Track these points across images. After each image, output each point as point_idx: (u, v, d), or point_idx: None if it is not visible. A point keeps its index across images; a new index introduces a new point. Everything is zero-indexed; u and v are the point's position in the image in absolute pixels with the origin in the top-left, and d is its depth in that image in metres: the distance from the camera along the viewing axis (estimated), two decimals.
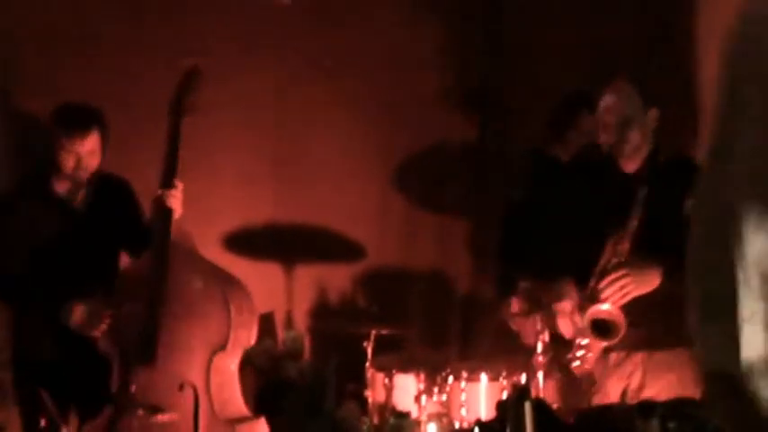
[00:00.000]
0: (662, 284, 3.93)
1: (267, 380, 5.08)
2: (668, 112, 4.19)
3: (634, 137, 4.12)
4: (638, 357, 4.10)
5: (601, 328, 4.01)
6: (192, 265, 4.19)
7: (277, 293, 5.68)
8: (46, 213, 4.42)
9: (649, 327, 3.93)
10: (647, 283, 3.93)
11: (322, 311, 5.79)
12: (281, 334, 5.57)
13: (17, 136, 4.98)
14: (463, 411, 4.60)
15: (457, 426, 4.57)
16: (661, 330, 3.96)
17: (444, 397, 4.66)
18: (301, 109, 5.79)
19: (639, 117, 4.13)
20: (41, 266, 4.37)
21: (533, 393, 4.00)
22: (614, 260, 4.01)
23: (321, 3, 5.92)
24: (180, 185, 4.18)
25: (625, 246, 4.00)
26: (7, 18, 5.14)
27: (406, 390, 4.73)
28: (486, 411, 4.52)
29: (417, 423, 4.55)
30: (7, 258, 4.37)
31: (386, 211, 5.93)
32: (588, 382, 4.24)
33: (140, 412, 3.92)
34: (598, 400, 4.16)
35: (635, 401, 3.98)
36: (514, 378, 4.55)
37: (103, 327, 4.15)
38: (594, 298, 4.02)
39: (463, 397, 4.62)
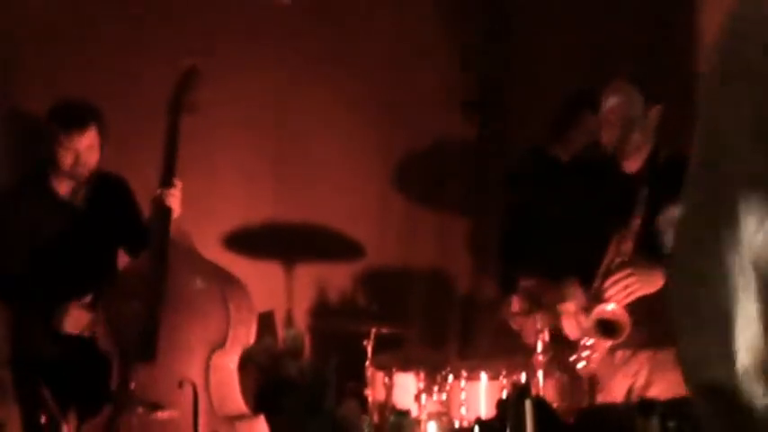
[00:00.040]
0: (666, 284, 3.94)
1: (267, 378, 5.09)
2: (668, 110, 4.20)
3: (636, 136, 4.13)
4: (644, 356, 4.10)
5: (606, 327, 4.02)
6: (191, 264, 4.20)
7: (277, 292, 5.68)
8: (45, 212, 4.43)
9: (654, 325, 3.93)
10: (652, 283, 3.93)
11: (322, 310, 5.79)
12: (281, 333, 5.57)
13: (17, 136, 4.97)
14: (463, 410, 4.60)
15: (457, 425, 4.58)
16: (666, 329, 3.96)
17: (444, 396, 4.67)
18: (301, 108, 5.79)
19: (641, 116, 4.14)
20: (41, 265, 4.38)
21: (533, 392, 4.01)
22: (618, 260, 4.02)
23: (321, 3, 5.92)
24: (179, 184, 4.19)
25: (628, 245, 4.00)
26: (7, 18, 5.14)
27: (405, 388, 4.74)
28: (485, 410, 4.52)
29: (417, 422, 4.55)
30: (7, 258, 4.38)
31: (386, 210, 5.94)
32: (591, 382, 4.24)
33: (140, 410, 3.92)
34: (602, 398, 4.16)
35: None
36: (514, 377, 4.55)
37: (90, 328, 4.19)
38: (599, 298, 4.02)
39: (463, 396, 4.62)
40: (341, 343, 5.02)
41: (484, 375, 4.64)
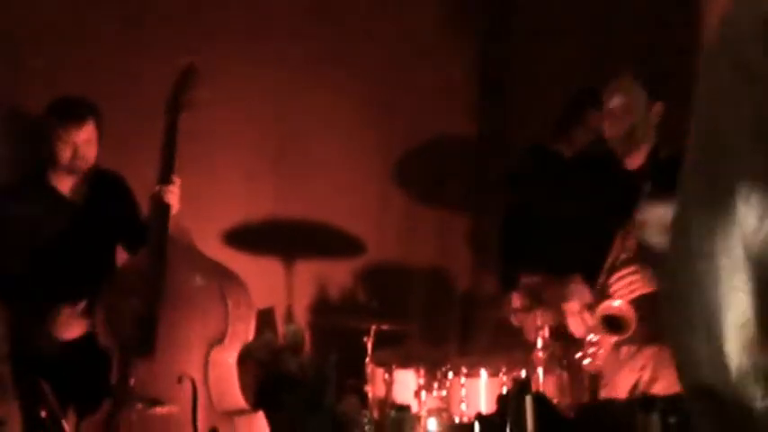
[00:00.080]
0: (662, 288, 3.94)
1: (267, 374, 5.09)
2: (668, 109, 4.22)
3: (639, 132, 4.14)
4: (649, 351, 4.10)
5: (612, 323, 4.03)
6: (190, 261, 4.21)
7: (277, 289, 5.68)
8: (44, 210, 4.44)
9: (659, 321, 3.93)
10: (656, 280, 3.94)
11: (322, 307, 5.79)
12: (281, 329, 5.58)
13: (17, 136, 4.98)
14: (463, 407, 4.61)
15: (457, 421, 4.59)
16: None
17: (444, 392, 4.68)
18: (302, 106, 5.79)
19: (644, 112, 4.15)
20: (40, 263, 4.38)
21: (533, 388, 4.02)
22: (623, 256, 4.03)
23: (322, 2, 5.92)
24: (177, 181, 4.21)
25: (632, 241, 4.01)
26: (7, 18, 5.14)
27: (405, 385, 4.75)
28: (485, 407, 4.53)
29: (417, 418, 4.56)
30: (6, 255, 4.39)
31: (386, 206, 5.93)
32: (593, 378, 4.25)
33: (139, 405, 3.94)
34: (607, 394, 4.17)
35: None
36: (514, 373, 4.56)
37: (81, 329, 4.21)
38: (604, 294, 4.03)
39: (463, 392, 4.63)
40: (341, 339, 5.02)
41: (484, 372, 4.65)
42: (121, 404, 3.98)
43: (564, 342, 4.65)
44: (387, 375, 4.75)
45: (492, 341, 5.21)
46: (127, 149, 4.92)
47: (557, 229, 4.36)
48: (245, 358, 4.60)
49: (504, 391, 4.47)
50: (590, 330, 4.09)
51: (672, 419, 3.20)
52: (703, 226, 1.40)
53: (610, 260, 4.05)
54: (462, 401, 4.62)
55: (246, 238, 5.65)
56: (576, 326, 4.16)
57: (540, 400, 3.71)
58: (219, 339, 4.09)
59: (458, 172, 6.03)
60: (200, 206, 5.30)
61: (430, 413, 4.62)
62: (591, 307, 4.09)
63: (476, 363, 4.74)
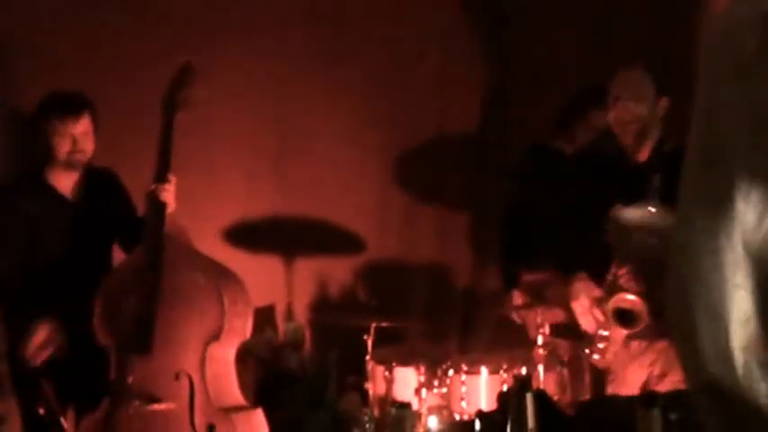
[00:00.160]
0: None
1: (268, 371, 5.09)
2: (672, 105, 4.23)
3: (646, 123, 4.15)
4: (660, 346, 4.11)
5: (623, 317, 4.03)
6: (186, 258, 4.24)
7: (278, 286, 5.68)
8: (42, 208, 4.44)
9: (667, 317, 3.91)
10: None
11: (322, 304, 5.79)
12: (281, 326, 5.58)
13: (17, 136, 4.98)
14: (463, 404, 4.61)
15: (457, 418, 4.59)
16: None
17: (445, 390, 4.68)
18: (302, 104, 5.79)
19: (652, 105, 4.16)
20: (37, 261, 4.39)
21: (534, 385, 4.02)
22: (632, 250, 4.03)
23: (321, 1, 5.93)
24: (173, 180, 4.24)
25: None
26: (5, 18, 5.14)
27: (406, 382, 4.75)
28: (486, 404, 4.54)
29: (418, 416, 4.56)
30: (3, 254, 4.39)
31: (386, 204, 5.93)
32: (600, 373, 4.26)
33: (137, 402, 3.97)
34: (616, 389, 4.18)
35: (660, 387, 4.01)
36: (515, 371, 4.56)
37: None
38: (615, 287, 4.04)
39: (463, 390, 4.63)
40: (341, 337, 5.02)
41: (484, 369, 4.65)
42: (119, 402, 4.01)
43: (568, 339, 4.66)
44: (387, 373, 4.75)
45: (492, 338, 5.21)
46: (124, 148, 4.93)
47: (559, 227, 4.36)
48: (245, 355, 4.61)
49: (505, 388, 4.47)
50: (602, 325, 4.09)
51: (673, 416, 3.19)
52: (705, 223, 1.40)
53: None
54: (463, 399, 4.62)
55: (246, 235, 5.66)
56: (587, 322, 4.16)
57: (541, 397, 3.70)
58: (216, 336, 4.11)
59: (458, 170, 6.02)
60: (201, 204, 5.31)
61: (430, 411, 4.62)
62: (601, 301, 4.09)
63: (476, 360, 4.75)
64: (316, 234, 5.83)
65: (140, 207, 4.43)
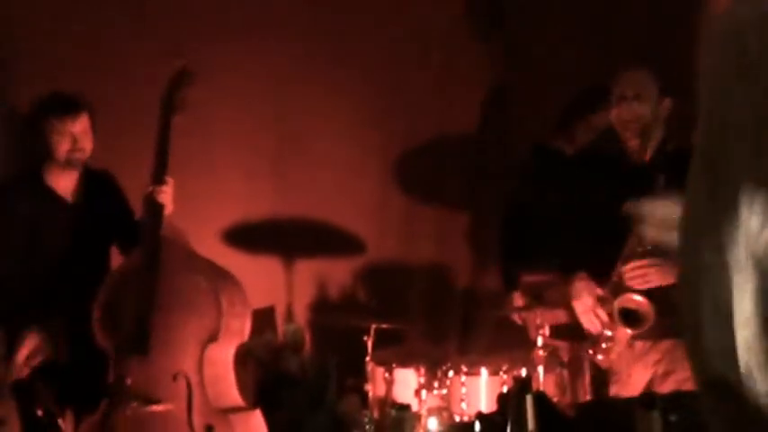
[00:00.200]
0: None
1: (267, 373, 5.09)
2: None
3: (648, 122, 4.14)
4: (665, 345, 4.10)
5: (629, 316, 4.03)
6: (184, 260, 4.26)
7: (277, 288, 5.68)
8: (40, 209, 4.45)
9: (674, 316, 3.90)
10: (671, 273, 3.94)
11: (322, 306, 5.79)
12: (281, 328, 5.57)
13: (16, 136, 4.98)
14: (463, 405, 4.61)
15: (457, 420, 4.58)
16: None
17: (444, 391, 4.67)
18: (301, 104, 5.79)
19: (655, 104, 4.16)
20: (36, 262, 4.39)
21: (534, 387, 4.01)
22: (639, 249, 4.03)
23: (321, 0, 5.92)
24: (170, 182, 4.27)
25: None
26: (7, 18, 5.14)
27: (406, 384, 4.74)
28: (486, 405, 4.53)
29: (418, 417, 4.55)
30: (2, 255, 4.39)
31: (385, 205, 5.93)
32: (600, 374, 4.25)
33: (135, 404, 3.99)
34: (620, 389, 4.17)
35: (664, 387, 4.01)
36: (514, 372, 4.55)
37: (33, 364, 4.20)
38: (620, 286, 4.03)
39: (463, 391, 4.62)
40: (341, 338, 5.02)
41: (484, 370, 4.64)
42: (117, 403, 4.03)
43: (568, 340, 4.66)
44: (387, 374, 4.74)
45: (492, 340, 5.20)
46: (122, 149, 4.93)
47: (560, 227, 4.36)
48: (245, 357, 4.61)
49: (505, 389, 4.46)
50: (605, 325, 4.09)
51: (673, 417, 3.18)
52: (710, 226, 1.41)
53: (626, 252, 4.04)
54: (463, 400, 4.61)
55: (246, 237, 5.66)
56: (589, 322, 4.15)
57: (541, 398, 3.69)
58: (214, 337, 4.14)
59: (457, 170, 6.02)
60: (200, 205, 5.31)
61: (430, 412, 4.61)
62: (605, 301, 4.08)
63: (476, 361, 4.74)
64: (315, 235, 5.83)
65: (138, 209, 4.44)
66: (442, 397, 4.66)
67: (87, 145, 4.44)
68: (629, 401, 3.69)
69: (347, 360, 4.90)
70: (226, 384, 4.22)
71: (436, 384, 4.68)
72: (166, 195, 4.24)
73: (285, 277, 5.71)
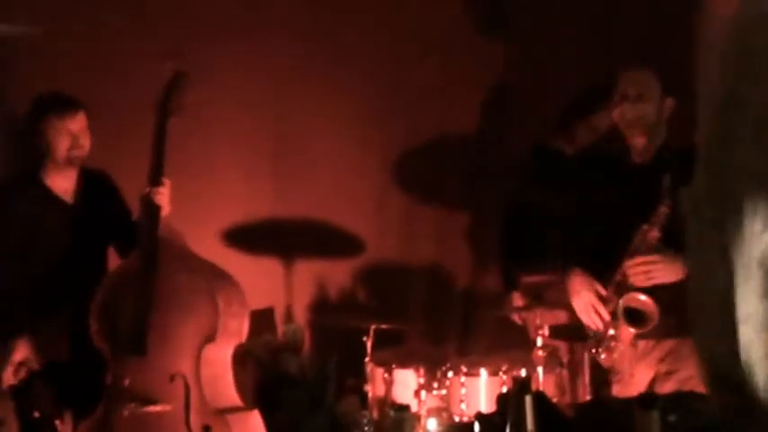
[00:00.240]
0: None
1: (267, 373, 5.09)
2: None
3: (650, 121, 4.14)
4: (668, 344, 4.10)
5: (632, 316, 4.03)
6: (181, 261, 4.26)
7: (277, 288, 5.68)
8: (38, 210, 4.45)
9: (681, 314, 3.90)
10: (675, 271, 3.94)
11: (321, 306, 5.79)
12: (281, 328, 5.57)
13: (16, 136, 4.98)
14: (463, 406, 4.60)
15: (456, 420, 4.57)
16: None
17: (444, 392, 4.67)
18: (301, 104, 5.79)
19: (658, 104, 4.16)
20: (34, 262, 4.39)
21: (533, 387, 4.00)
22: (644, 246, 4.02)
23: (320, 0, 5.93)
24: (167, 183, 4.28)
25: (654, 234, 4.00)
26: (6, 18, 5.14)
27: (405, 384, 4.74)
28: (485, 406, 4.53)
29: (417, 418, 4.54)
30: (1, 255, 4.39)
31: (385, 205, 5.92)
32: (601, 373, 4.25)
33: (132, 404, 4.00)
34: (623, 388, 4.17)
35: (666, 386, 4.01)
36: (514, 373, 4.55)
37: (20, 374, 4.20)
38: (624, 286, 4.03)
39: (463, 392, 4.62)
40: (341, 339, 5.01)
41: (483, 371, 4.64)
42: (115, 404, 4.03)
43: (568, 340, 4.65)
44: (386, 375, 4.74)
45: (492, 340, 5.20)
46: (120, 150, 4.92)
47: (561, 227, 4.35)
48: (244, 358, 4.60)
49: (504, 390, 4.45)
50: (607, 323, 4.09)
51: (672, 417, 3.17)
52: (715, 223, 1.45)
53: (631, 249, 4.04)
54: (462, 401, 4.61)
55: (246, 237, 5.65)
56: (589, 319, 4.14)
57: (540, 399, 3.69)
58: (211, 337, 4.14)
59: (457, 171, 6.01)
60: (200, 206, 5.31)
61: (430, 413, 4.61)
62: (608, 301, 4.08)
63: (476, 362, 4.74)
64: (315, 235, 5.83)
65: (135, 210, 4.44)
66: (442, 397, 4.67)
67: (86, 143, 4.45)
68: (629, 402, 3.69)
69: (347, 361, 4.89)
70: (224, 385, 4.22)
71: (436, 385, 4.68)
72: (163, 197, 4.25)
73: (285, 278, 5.71)
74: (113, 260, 4.60)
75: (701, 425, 3.15)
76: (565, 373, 4.60)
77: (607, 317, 4.10)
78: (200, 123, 5.21)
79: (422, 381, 4.70)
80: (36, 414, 3.97)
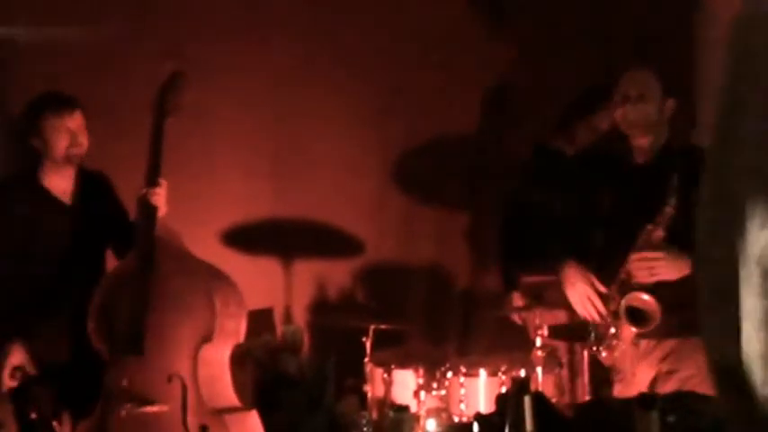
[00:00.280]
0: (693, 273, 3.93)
1: (266, 374, 5.08)
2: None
3: (652, 122, 4.15)
4: (669, 344, 4.11)
5: (634, 315, 4.03)
6: (178, 261, 4.27)
7: (276, 289, 5.68)
8: (36, 210, 4.45)
9: (683, 313, 3.89)
10: (678, 269, 3.95)
11: (321, 307, 5.78)
12: (280, 329, 5.57)
13: (15, 136, 4.97)
14: (462, 406, 4.60)
15: (456, 421, 4.57)
16: (694, 316, 3.95)
17: (443, 392, 4.66)
18: (300, 105, 5.79)
19: (659, 104, 4.16)
20: (32, 263, 4.39)
21: (533, 388, 4.00)
22: (648, 249, 4.03)
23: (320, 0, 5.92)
24: (164, 184, 4.28)
25: (659, 234, 4.01)
26: (7, 18, 5.14)
27: (404, 385, 4.73)
28: (484, 406, 4.52)
29: (416, 418, 4.54)
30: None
31: (384, 206, 5.92)
32: (601, 372, 4.25)
33: (129, 405, 4.01)
34: (623, 388, 4.17)
35: (667, 385, 4.01)
36: (513, 373, 4.54)
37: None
38: (627, 285, 4.03)
39: (462, 392, 4.61)
40: (340, 339, 5.01)
41: (483, 371, 4.63)
42: (113, 404, 4.04)
43: (569, 340, 4.65)
44: (386, 375, 4.73)
45: (491, 341, 5.19)
46: (120, 150, 4.92)
47: (561, 227, 4.35)
48: (243, 358, 4.60)
49: (503, 390, 4.44)
50: (603, 315, 4.09)
51: (671, 418, 3.17)
52: (719, 225, 1.45)
53: (637, 246, 4.04)
54: (461, 401, 4.60)
55: (245, 238, 5.65)
56: (584, 310, 4.14)
57: (539, 399, 3.68)
58: (208, 337, 4.14)
59: (457, 171, 6.01)
60: (199, 206, 5.31)
61: (429, 413, 4.60)
62: (611, 299, 4.08)
63: (475, 362, 4.73)
64: (314, 236, 5.83)
65: (132, 211, 4.44)
66: (441, 398, 4.65)
67: (84, 141, 4.45)
68: (628, 402, 3.68)
69: (346, 361, 4.89)
70: (221, 385, 4.21)
71: (435, 385, 4.67)
72: (160, 197, 4.26)
73: (284, 278, 5.70)
74: (111, 261, 4.59)
75: (700, 425, 3.15)
76: (564, 373, 4.60)
77: (602, 308, 4.11)
78: (199, 123, 5.22)
79: (421, 381, 4.69)
80: (33, 415, 3.96)
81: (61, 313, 4.36)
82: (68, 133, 4.40)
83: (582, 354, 4.51)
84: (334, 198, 5.82)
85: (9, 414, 4.21)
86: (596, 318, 4.13)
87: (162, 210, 4.27)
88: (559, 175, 4.93)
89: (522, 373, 4.47)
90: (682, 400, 3.37)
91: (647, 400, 3.24)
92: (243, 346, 4.40)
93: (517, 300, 5.05)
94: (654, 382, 4.13)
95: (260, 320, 5.23)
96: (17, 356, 4.19)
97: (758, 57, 1.39)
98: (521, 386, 3.46)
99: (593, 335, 4.17)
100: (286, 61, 5.75)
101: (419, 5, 5.99)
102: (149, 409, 4.02)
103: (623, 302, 4.03)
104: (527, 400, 3.32)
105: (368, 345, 4.76)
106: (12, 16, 5.19)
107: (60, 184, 4.49)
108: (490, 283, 5.70)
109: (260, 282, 5.40)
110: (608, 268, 4.14)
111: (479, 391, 4.62)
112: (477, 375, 4.63)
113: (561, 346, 4.74)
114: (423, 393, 4.66)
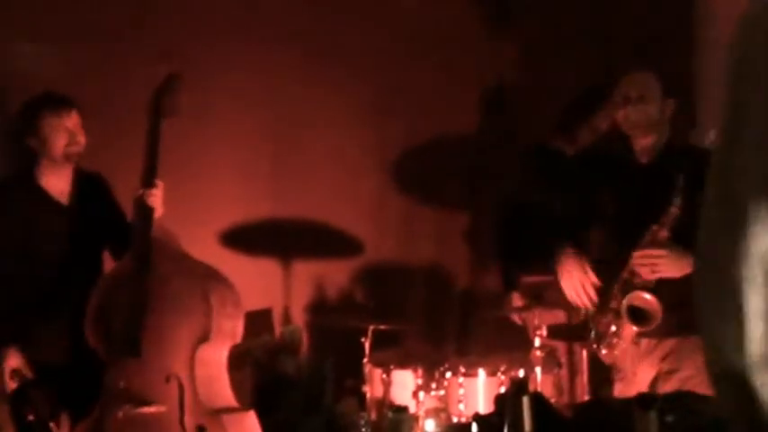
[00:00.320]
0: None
1: (265, 375, 5.08)
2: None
3: (653, 123, 4.15)
4: (670, 343, 4.11)
5: (635, 314, 4.02)
6: (174, 262, 4.27)
7: (275, 289, 5.68)
8: (33, 210, 4.44)
9: (683, 312, 3.89)
10: (680, 266, 3.94)
11: (320, 307, 5.78)
12: (278, 329, 5.56)
13: (13, 136, 4.97)
14: (461, 407, 4.59)
15: (455, 421, 4.56)
16: (691, 317, 3.94)
17: (442, 392, 4.66)
18: (300, 105, 5.78)
19: (660, 105, 4.16)
20: (31, 264, 4.39)
21: (531, 388, 3.99)
22: (654, 240, 4.03)
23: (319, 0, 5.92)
24: (160, 185, 4.28)
25: (664, 234, 4.00)
26: (7, 18, 5.14)
27: (403, 385, 4.73)
28: (483, 406, 4.51)
29: (415, 418, 4.53)
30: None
31: (384, 206, 5.92)
32: (601, 370, 4.24)
33: (127, 405, 4.01)
34: (623, 387, 4.16)
35: (668, 385, 4.00)
36: (512, 373, 4.54)
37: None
38: (630, 284, 4.03)
39: (461, 392, 4.61)
40: (339, 340, 5.01)
41: (482, 372, 4.63)
42: (110, 405, 4.04)
43: (568, 340, 4.65)
44: (385, 376, 4.73)
45: (490, 341, 5.19)
46: (119, 151, 4.91)
47: (561, 227, 4.35)
48: (242, 359, 4.59)
49: (502, 390, 4.44)
50: (594, 303, 4.09)
51: (670, 418, 3.15)
52: (723, 223, 1.45)
53: (643, 243, 4.03)
54: (460, 401, 4.60)
55: (244, 238, 5.65)
56: (576, 297, 4.14)
57: (538, 399, 3.68)
58: (205, 338, 4.14)
59: (457, 171, 6.01)
60: (198, 206, 5.30)
61: (428, 413, 4.60)
62: (614, 298, 4.08)
63: (474, 362, 4.73)
64: (313, 236, 5.82)
65: (129, 212, 4.43)
66: (440, 398, 4.66)
67: (82, 139, 4.45)
68: (627, 402, 3.68)
69: (345, 361, 4.89)
70: (219, 385, 4.21)
71: (434, 386, 4.67)
72: (156, 198, 4.26)
73: (283, 278, 5.70)
74: (109, 263, 4.59)
75: (700, 425, 3.14)
76: (563, 373, 4.59)
77: (594, 297, 4.11)
78: (199, 123, 5.21)
79: (420, 381, 4.69)
80: (31, 418, 3.96)
81: (58, 314, 4.36)
82: (66, 132, 4.40)
83: (581, 354, 4.51)
84: (334, 198, 5.82)
85: (6, 416, 4.21)
86: (588, 305, 4.13)
87: (158, 211, 4.27)
88: (559, 175, 4.93)
89: (521, 373, 4.47)
90: (681, 399, 3.36)
91: (645, 400, 3.23)
92: (241, 347, 4.39)
93: (516, 300, 5.05)
94: (654, 381, 4.13)
95: (259, 321, 5.22)
96: (14, 360, 4.19)
97: (759, 58, 1.39)
98: (519, 386, 3.45)
99: (593, 333, 4.16)
100: (286, 61, 5.75)
101: (419, 5, 5.98)
102: (147, 409, 4.02)
103: (625, 301, 4.04)
104: (526, 400, 3.31)
105: (367, 345, 4.76)
106: (10, 17, 5.18)
107: (57, 184, 4.49)
108: (490, 283, 5.70)
109: (259, 282, 5.40)
110: (610, 267, 4.14)
111: (478, 392, 4.62)
112: (475, 375, 4.63)
113: (560, 346, 4.74)
114: (422, 394, 4.66)
